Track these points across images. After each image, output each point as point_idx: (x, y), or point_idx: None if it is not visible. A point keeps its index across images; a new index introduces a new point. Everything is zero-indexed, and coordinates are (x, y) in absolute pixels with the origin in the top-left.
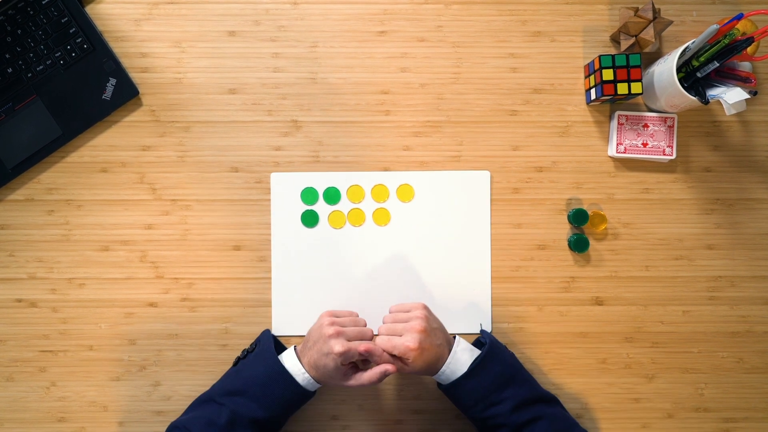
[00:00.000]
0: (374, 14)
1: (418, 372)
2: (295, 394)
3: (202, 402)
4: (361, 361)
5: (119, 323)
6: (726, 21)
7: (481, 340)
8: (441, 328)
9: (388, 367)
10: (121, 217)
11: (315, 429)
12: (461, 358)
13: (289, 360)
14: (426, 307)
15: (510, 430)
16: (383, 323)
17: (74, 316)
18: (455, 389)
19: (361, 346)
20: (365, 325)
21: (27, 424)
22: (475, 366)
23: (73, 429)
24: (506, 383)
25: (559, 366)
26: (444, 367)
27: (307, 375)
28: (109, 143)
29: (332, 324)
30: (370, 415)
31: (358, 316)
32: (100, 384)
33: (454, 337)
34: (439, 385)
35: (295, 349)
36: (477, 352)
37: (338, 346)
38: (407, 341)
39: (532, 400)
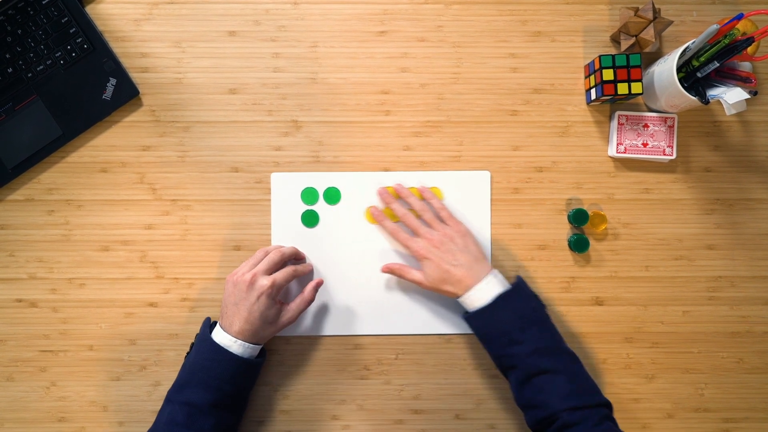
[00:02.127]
0: (374, 14)
1: (431, 286)
2: (237, 367)
3: (162, 406)
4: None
5: (119, 323)
6: (726, 21)
7: (516, 280)
8: (468, 254)
9: (318, 280)
10: (121, 217)
11: (315, 429)
12: (489, 289)
13: (218, 336)
14: (458, 232)
15: (523, 373)
16: (421, 212)
17: (74, 316)
18: (476, 319)
19: (286, 270)
20: (266, 254)
21: (27, 424)
22: (499, 299)
23: (73, 429)
24: (528, 325)
25: None
26: (467, 293)
27: (239, 342)
28: (109, 143)
29: (243, 274)
30: (370, 415)
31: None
32: (100, 384)
33: (491, 270)
34: (463, 315)
35: (220, 325)
36: (499, 287)
37: (264, 280)
38: (413, 243)
39: (552, 349)
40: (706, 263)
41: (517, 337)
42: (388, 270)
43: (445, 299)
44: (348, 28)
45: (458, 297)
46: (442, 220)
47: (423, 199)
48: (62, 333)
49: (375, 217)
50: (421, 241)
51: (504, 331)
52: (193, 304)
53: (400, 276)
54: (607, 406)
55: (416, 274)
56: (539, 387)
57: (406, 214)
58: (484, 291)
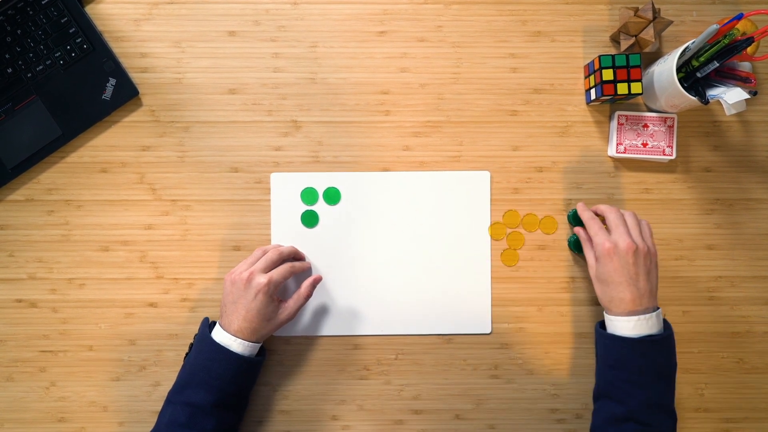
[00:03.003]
0: (374, 14)
1: (594, 280)
2: (238, 366)
3: (162, 407)
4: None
5: (119, 323)
6: (726, 21)
7: (664, 322)
8: (649, 281)
9: (316, 276)
10: (121, 217)
11: (315, 429)
12: (644, 326)
13: (218, 335)
14: (654, 254)
15: (623, 413)
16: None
17: (74, 316)
18: (615, 342)
19: (283, 267)
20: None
21: (27, 424)
22: (650, 341)
23: (73, 429)
24: (660, 377)
25: (559, 366)
26: (620, 317)
27: (239, 341)
28: (109, 143)
29: (241, 273)
30: (370, 415)
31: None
32: (100, 384)
33: (656, 310)
34: (598, 327)
35: (220, 324)
36: (653, 328)
37: (261, 278)
38: (608, 239)
39: (664, 408)
40: (706, 263)
41: (642, 381)
42: (578, 231)
43: (444, 300)
44: (348, 28)
45: (609, 313)
46: (641, 234)
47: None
48: (62, 333)
49: (579, 208)
50: (613, 240)
51: (633, 369)
52: (193, 305)
53: (583, 243)
54: None
55: (591, 259)
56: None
57: (611, 211)
58: (638, 325)
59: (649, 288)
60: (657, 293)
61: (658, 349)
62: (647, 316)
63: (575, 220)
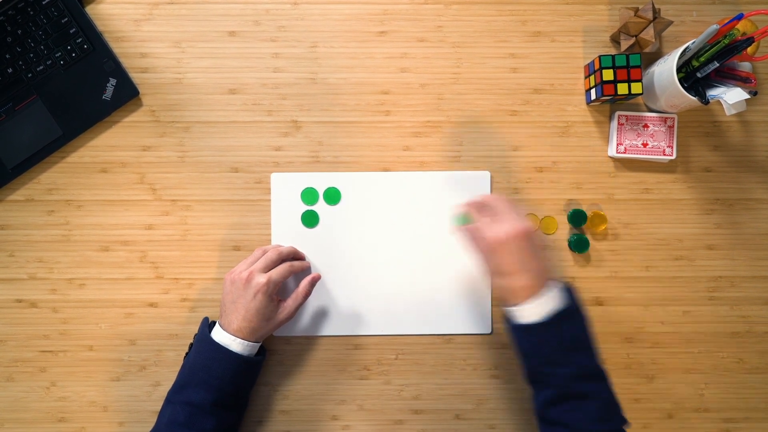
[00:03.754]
0: (374, 14)
1: (492, 277)
2: (237, 365)
3: (162, 407)
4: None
5: (119, 323)
6: (726, 21)
7: (565, 293)
8: (540, 260)
9: (314, 275)
10: (121, 217)
11: (315, 429)
12: (546, 304)
13: (218, 335)
14: (536, 231)
15: (557, 394)
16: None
17: (74, 316)
18: (523, 333)
19: (282, 267)
20: (264, 253)
21: (27, 424)
22: (554, 317)
23: (73, 429)
24: (577, 349)
25: None
26: (522, 305)
27: (238, 340)
28: (109, 143)
29: (240, 272)
30: (370, 415)
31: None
32: (100, 384)
33: (554, 286)
34: (506, 321)
35: (219, 324)
36: (556, 305)
37: (260, 278)
38: (493, 229)
39: (593, 373)
40: (706, 263)
41: (561, 359)
42: (460, 230)
43: (444, 300)
44: (348, 28)
45: (509, 306)
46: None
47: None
48: (62, 333)
49: (466, 205)
50: (504, 227)
51: (550, 351)
52: (192, 304)
53: (470, 238)
54: (627, 426)
55: (481, 257)
56: (570, 408)
57: (494, 198)
58: (541, 306)
59: (540, 269)
60: (539, 268)
61: (567, 322)
62: (546, 296)
63: (573, 220)
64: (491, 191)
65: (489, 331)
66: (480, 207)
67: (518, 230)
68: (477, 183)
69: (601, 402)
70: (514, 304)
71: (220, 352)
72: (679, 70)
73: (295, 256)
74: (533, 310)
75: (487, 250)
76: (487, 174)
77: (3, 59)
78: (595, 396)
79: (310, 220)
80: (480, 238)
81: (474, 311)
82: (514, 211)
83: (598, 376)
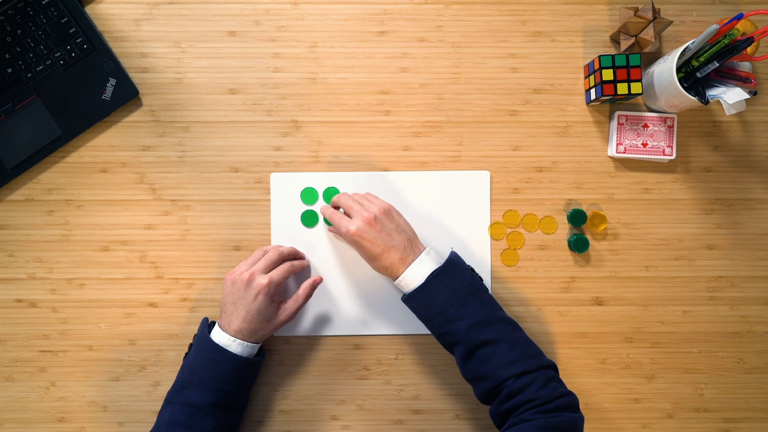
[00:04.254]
0: (374, 14)
1: (371, 264)
2: (236, 365)
3: (162, 408)
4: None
5: (119, 323)
6: (726, 21)
7: (445, 258)
8: (402, 233)
9: (316, 278)
10: (121, 217)
11: (315, 429)
12: (422, 268)
13: (217, 336)
14: (391, 208)
15: (465, 348)
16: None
17: (74, 316)
18: (412, 300)
19: (283, 267)
20: (264, 254)
21: (27, 424)
22: (432, 278)
23: (73, 429)
24: (464, 299)
25: (559, 366)
26: (402, 276)
27: (237, 341)
28: (109, 143)
29: (241, 273)
30: (370, 415)
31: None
32: (100, 384)
33: (424, 249)
34: (402, 298)
35: (219, 325)
36: (431, 266)
37: (262, 279)
38: (349, 224)
39: (491, 320)
40: (706, 263)
41: (455, 313)
42: (331, 231)
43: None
44: (348, 28)
45: (394, 280)
46: (366, 203)
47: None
48: (62, 333)
49: (322, 210)
50: (355, 221)
51: (441, 309)
52: (192, 304)
53: (335, 231)
54: (553, 367)
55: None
56: (483, 359)
57: (341, 196)
58: (417, 271)
59: (406, 239)
60: (415, 235)
61: (446, 278)
62: (418, 259)
63: (573, 220)
64: (491, 191)
65: None
66: (335, 208)
67: (366, 218)
68: (477, 183)
69: (510, 344)
70: (396, 278)
71: (219, 353)
72: (679, 70)
73: (296, 256)
74: (412, 278)
75: (352, 243)
76: (486, 174)
77: (3, 59)
78: (501, 340)
79: (309, 220)
80: (343, 235)
81: None
82: (358, 202)
83: (500, 320)
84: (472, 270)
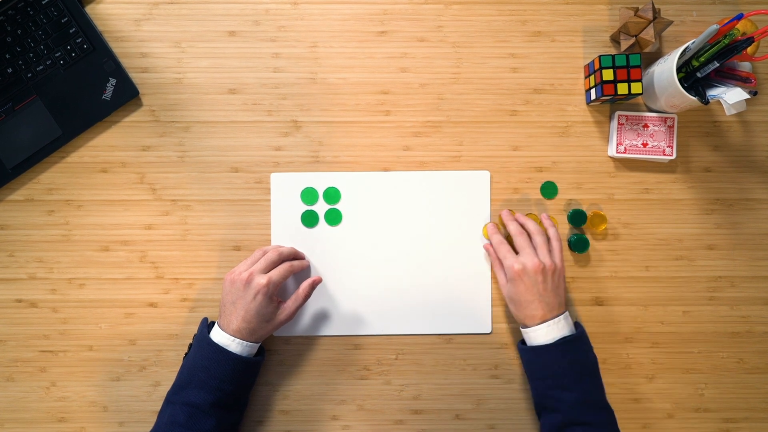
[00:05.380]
0: (374, 14)
1: (507, 299)
2: (236, 365)
3: (162, 408)
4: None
5: (119, 323)
6: (726, 21)
7: (579, 327)
8: (558, 296)
9: (315, 278)
10: (121, 217)
11: (315, 429)
12: (556, 330)
13: (217, 335)
14: (561, 270)
15: (563, 420)
16: (512, 221)
17: (74, 316)
18: (532, 354)
19: (282, 267)
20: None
21: (27, 424)
22: (562, 341)
23: (73, 429)
24: (582, 375)
25: None
26: (534, 328)
27: (237, 341)
28: (109, 143)
29: (240, 273)
30: (370, 415)
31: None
32: (100, 384)
33: (565, 311)
34: (519, 345)
35: (218, 324)
36: (565, 331)
37: (261, 279)
38: (515, 261)
39: (598, 404)
40: (706, 263)
41: (568, 383)
42: (488, 249)
43: (444, 299)
44: (347, 28)
45: (523, 327)
46: (550, 251)
47: (539, 223)
48: (62, 333)
49: (489, 230)
50: (522, 262)
51: (558, 374)
52: (192, 304)
53: (492, 262)
54: None
55: (502, 279)
56: None
57: (520, 233)
58: (550, 330)
59: (558, 302)
60: (564, 299)
61: (575, 348)
62: (556, 319)
63: (573, 220)
64: (491, 191)
65: (489, 330)
66: (519, 227)
67: (535, 264)
68: (477, 183)
69: None
70: (528, 327)
71: (219, 352)
72: (679, 70)
73: (296, 256)
74: (544, 333)
75: (512, 278)
76: (486, 174)
77: (3, 59)
78: (598, 426)
79: (310, 220)
80: (505, 267)
81: (474, 311)
82: (545, 246)
83: (604, 409)
84: (593, 349)
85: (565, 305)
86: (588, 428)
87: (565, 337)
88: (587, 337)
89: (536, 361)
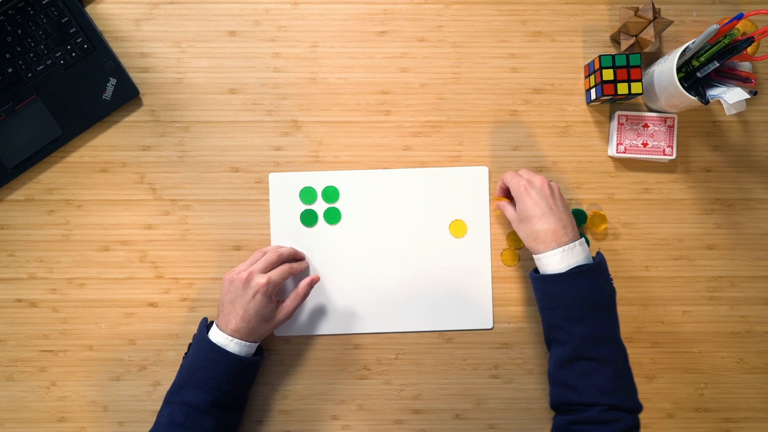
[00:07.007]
0: (374, 14)
1: (520, 231)
2: (234, 365)
3: (161, 407)
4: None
5: (119, 323)
6: (726, 21)
7: (597, 256)
8: (568, 214)
9: (313, 276)
10: (121, 217)
11: (314, 429)
12: (572, 256)
13: (215, 335)
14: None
15: (572, 352)
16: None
17: (74, 316)
18: (545, 283)
19: (282, 268)
20: (264, 255)
21: (27, 424)
22: (577, 272)
23: (73, 429)
24: (597, 308)
25: None
26: (547, 253)
27: (235, 341)
28: (109, 143)
29: (239, 272)
30: (370, 415)
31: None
32: (100, 384)
33: (580, 238)
34: (532, 273)
35: (217, 324)
36: (580, 259)
37: (260, 278)
38: (522, 176)
39: (611, 340)
40: (706, 263)
41: (580, 316)
42: (498, 203)
43: (442, 296)
44: (348, 28)
45: (536, 253)
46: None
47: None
48: (62, 333)
49: (504, 180)
50: (527, 178)
51: (571, 306)
52: (192, 304)
53: (502, 210)
54: (640, 411)
55: (512, 212)
56: (583, 372)
57: (513, 174)
58: (565, 256)
59: (570, 221)
60: (564, 222)
61: (590, 279)
62: (572, 245)
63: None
64: (489, 187)
65: (490, 326)
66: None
67: (543, 181)
68: (475, 179)
69: (616, 372)
70: (541, 252)
71: (217, 352)
72: (679, 70)
73: (295, 257)
74: (557, 257)
75: (519, 194)
76: (485, 169)
77: (3, 59)
78: (610, 363)
79: (309, 219)
80: (514, 185)
81: (474, 307)
82: (538, 176)
83: (615, 345)
84: (612, 281)
85: (577, 231)
86: (593, 364)
87: (580, 266)
88: (606, 267)
89: (549, 292)
